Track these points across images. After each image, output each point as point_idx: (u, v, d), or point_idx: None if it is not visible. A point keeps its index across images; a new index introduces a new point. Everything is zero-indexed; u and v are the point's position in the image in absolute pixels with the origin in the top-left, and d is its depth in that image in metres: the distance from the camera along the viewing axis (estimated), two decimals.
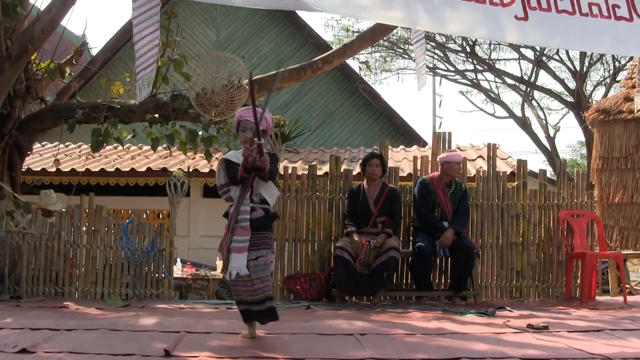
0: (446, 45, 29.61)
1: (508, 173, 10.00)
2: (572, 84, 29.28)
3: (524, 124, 30.46)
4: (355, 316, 7.00)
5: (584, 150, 40.63)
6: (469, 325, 6.43)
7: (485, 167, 10.06)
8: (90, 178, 15.37)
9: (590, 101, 28.13)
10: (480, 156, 15.79)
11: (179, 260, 11.49)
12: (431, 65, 30.53)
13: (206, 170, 15.03)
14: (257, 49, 21.45)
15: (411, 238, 9.06)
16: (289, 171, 9.22)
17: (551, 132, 30.68)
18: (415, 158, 9.72)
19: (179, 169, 11.80)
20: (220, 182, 5.92)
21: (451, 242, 8.49)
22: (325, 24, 37.69)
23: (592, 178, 12.73)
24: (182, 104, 9.22)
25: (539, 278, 9.44)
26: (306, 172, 9.34)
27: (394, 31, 29.38)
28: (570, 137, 61.79)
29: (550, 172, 30.30)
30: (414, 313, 7.37)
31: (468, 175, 9.77)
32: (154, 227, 8.94)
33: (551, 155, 29.74)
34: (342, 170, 9.30)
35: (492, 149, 9.69)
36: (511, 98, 54.88)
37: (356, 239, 8.27)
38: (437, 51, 30.17)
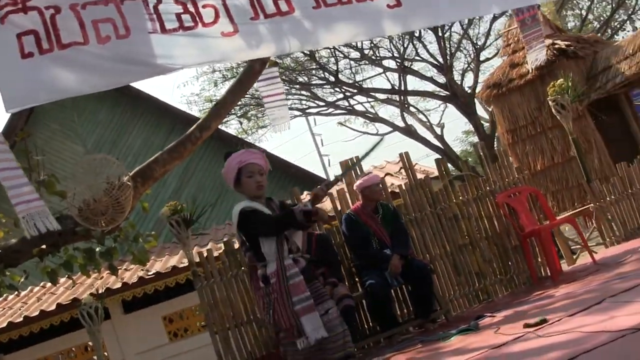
0: (310, 82, 29.27)
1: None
2: (441, 79, 29.22)
3: (409, 132, 30.24)
4: None
5: (472, 138, 41.19)
6: (462, 350, 5.58)
7: (396, 183, 9.41)
8: (0, 335, 14.02)
9: (463, 89, 28.23)
10: (387, 173, 15.12)
11: None
12: (302, 107, 30.13)
13: (118, 285, 13.95)
14: (129, 147, 20.59)
15: (357, 279, 8.25)
16: (205, 255, 8.30)
17: (438, 130, 30.60)
18: (330, 195, 8.96)
19: (89, 294, 10.74)
20: (242, 239, 5.22)
21: (401, 269, 7.70)
22: (187, 101, 36.85)
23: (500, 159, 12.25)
24: (67, 224, 8.24)
25: (500, 271, 8.77)
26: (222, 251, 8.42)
27: (257, 86, 28.79)
28: (455, 131, 62.80)
29: (450, 168, 30.31)
30: (392, 358, 6.50)
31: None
32: None
33: (446, 152, 29.55)
34: None
35: (405, 158, 9.01)
36: (389, 112, 55.38)
37: None
38: (303, 92, 29.77)
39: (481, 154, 9.20)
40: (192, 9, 5.67)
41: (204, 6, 5.68)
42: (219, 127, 23.97)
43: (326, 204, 14.26)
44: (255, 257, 5.11)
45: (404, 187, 8.83)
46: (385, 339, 7.87)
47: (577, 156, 9.60)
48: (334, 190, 10.61)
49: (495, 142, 26.82)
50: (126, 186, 7.88)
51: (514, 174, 9.13)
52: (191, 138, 8.84)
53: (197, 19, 5.68)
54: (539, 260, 8.86)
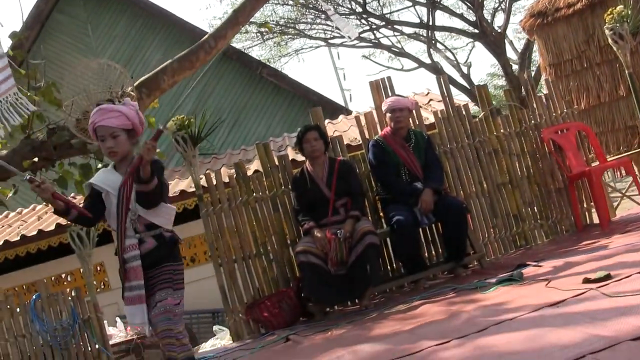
0: (337, 12, 28.20)
1: None
2: (471, 17, 28.07)
3: (435, 69, 29.21)
4: (352, 336, 5.18)
5: (497, 81, 40.17)
6: (508, 305, 4.64)
7: (424, 115, 8.52)
8: None
9: (493, 27, 27.19)
10: (431, 99, 14.14)
11: (118, 320, 9.55)
12: (326, 36, 29.12)
13: None
14: (145, 63, 19.56)
15: (381, 214, 7.36)
16: (214, 180, 7.43)
17: (464, 69, 29.60)
18: (357, 118, 8.03)
19: None
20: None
21: (433, 205, 6.80)
22: (209, 25, 35.88)
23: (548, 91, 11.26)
24: (63, 136, 7.44)
25: (541, 215, 7.86)
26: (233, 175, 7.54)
27: (282, 14, 28.11)
28: (480, 72, 61.25)
29: (475, 109, 29.38)
30: (422, 307, 5.58)
31: (426, 124, 8.11)
32: (68, 293, 7.13)
33: (472, 92, 28.52)
34: (275, 159, 7.54)
35: (444, 82, 8.03)
36: (415, 48, 54.26)
37: (319, 235, 6.49)
38: (328, 22, 28.68)
39: (527, 84, 8.22)
40: None
41: None
42: (241, 50, 23.20)
43: (351, 130, 13.41)
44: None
45: (439, 115, 7.87)
46: (411, 284, 7.04)
47: (633, 92, 8.56)
48: (345, 123, 9.65)
49: (522, 86, 25.79)
50: (129, 96, 7.05)
51: (563, 107, 8.16)
52: (205, 47, 8.02)
53: None
54: (584, 206, 7.96)
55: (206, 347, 9.24)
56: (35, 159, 7.68)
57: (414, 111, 7.54)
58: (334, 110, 18.80)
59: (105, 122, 4.28)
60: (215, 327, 9.60)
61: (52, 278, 13.90)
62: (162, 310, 4.14)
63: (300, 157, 10.76)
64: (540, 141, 7.95)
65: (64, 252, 13.13)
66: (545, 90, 9.07)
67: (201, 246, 14.07)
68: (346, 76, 54.77)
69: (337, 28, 8.21)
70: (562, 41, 11.08)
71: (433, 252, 7.50)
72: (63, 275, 14.12)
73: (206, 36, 8.12)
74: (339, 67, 38.91)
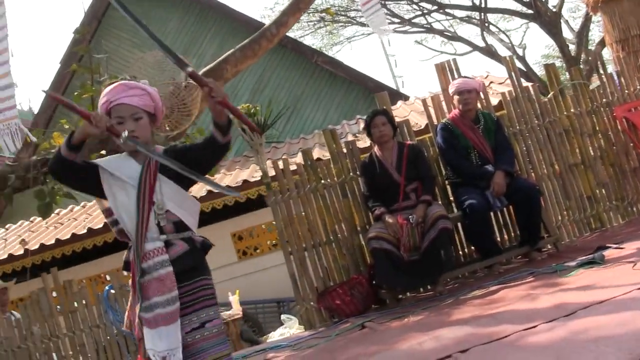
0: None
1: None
2: None
3: (489, 52, 28.83)
4: (431, 322, 5.09)
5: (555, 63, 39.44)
6: (594, 288, 4.49)
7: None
8: (64, 247, 13.35)
9: (547, 7, 26.71)
10: (492, 82, 13.97)
11: None
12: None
13: None
14: (201, 55, 19.61)
15: (451, 199, 7.24)
16: (281, 166, 7.36)
17: (519, 51, 29.16)
18: (424, 102, 7.90)
19: None
20: (104, 206, 3.87)
21: (505, 188, 6.67)
22: (261, 15, 36.00)
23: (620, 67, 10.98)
24: None
25: (615, 197, 7.66)
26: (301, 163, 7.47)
27: (333, 1, 28.03)
28: (534, 53, 60.40)
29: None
30: (501, 292, 5.45)
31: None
32: None
33: (527, 74, 28.11)
34: (342, 145, 7.44)
35: (510, 62, 7.87)
36: (469, 31, 53.81)
37: (390, 220, 6.38)
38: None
39: (597, 60, 8.03)
40: None
41: None
42: (296, 39, 23.18)
43: (412, 115, 13.29)
44: (126, 234, 3.65)
45: (507, 96, 7.71)
46: (484, 269, 6.90)
47: None
48: (406, 107, 9.51)
49: (581, 65, 25.32)
50: (194, 86, 7.02)
51: (636, 84, 7.95)
52: (266, 35, 7.97)
53: None
54: None
55: (274, 336, 9.23)
56: (103, 152, 7.73)
57: (481, 93, 7.38)
58: (392, 96, 18.65)
59: (128, 100, 3.63)
60: (283, 316, 9.59)
61: (118, 270, 13.99)
62: (216, 332, 3.53)
63: (362, 144, 10.67)
64: (613, 119, 7.76)
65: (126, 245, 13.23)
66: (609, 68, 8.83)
67: (264, 236, 14.08)
68: (397, 62, 54.48)
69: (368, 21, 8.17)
70: (629, 16, 10.77)
71: (506, 236, 7.37)
72: None
73: (268, 24, 8.09)
74: (390, 54, 38.73)
